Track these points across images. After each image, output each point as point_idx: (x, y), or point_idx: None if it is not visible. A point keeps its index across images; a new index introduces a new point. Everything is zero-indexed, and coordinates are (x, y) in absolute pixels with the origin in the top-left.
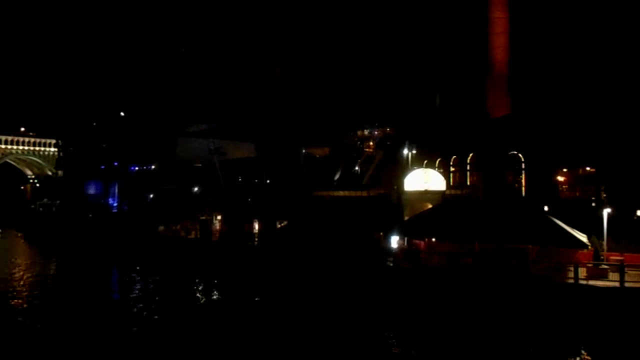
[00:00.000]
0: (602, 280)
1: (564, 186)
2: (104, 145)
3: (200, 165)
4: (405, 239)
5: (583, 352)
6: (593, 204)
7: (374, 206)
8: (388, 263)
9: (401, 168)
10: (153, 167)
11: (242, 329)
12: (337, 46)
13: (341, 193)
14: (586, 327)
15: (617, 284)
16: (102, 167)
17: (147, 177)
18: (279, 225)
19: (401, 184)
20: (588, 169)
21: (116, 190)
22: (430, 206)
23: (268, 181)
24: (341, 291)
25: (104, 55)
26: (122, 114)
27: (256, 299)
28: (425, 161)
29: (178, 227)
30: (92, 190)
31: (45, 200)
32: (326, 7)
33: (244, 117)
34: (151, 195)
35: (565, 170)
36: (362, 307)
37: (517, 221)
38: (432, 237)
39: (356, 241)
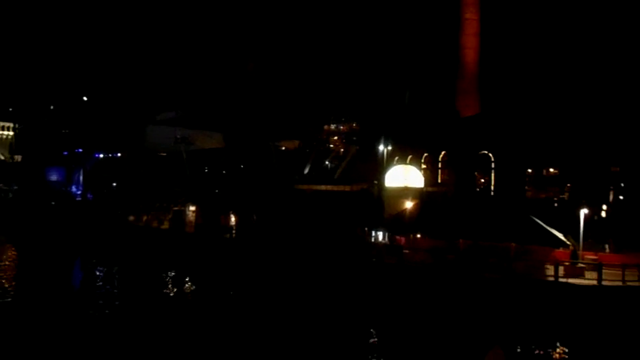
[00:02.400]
0: (579, 278)
1: (529, 186)
2: (66, 131)
3: (165, 154)
4: (387, 234)
5: (560, 346)
6: (556, 204)
7: (356, 201)
8: (372, 258)
9: (378, 164)
10: (119, 154)
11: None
12: (309, 40)
13: (323, 187)
14: (566, 323)
15: (594, 282)
16: (65, 153)
17: (113, 165)
18: (257, 218)
19: (382, 180)
20: (552, 170)
21: (80, 178)
22: (408, 202)
23: (237, 172)
24: (324, 286)
25: (65, 36)
26: (85, 98)
27: (233, 292)
28: (397, 158)
29: (149, 217)
30: (53, 177)
31: (0, 185)
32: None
33: (214, 107)
34: (114, 184)
35: (530, 170)
36: (345, 303)
37: (500, 219)
38: (417, 233)
39: (339, 236)
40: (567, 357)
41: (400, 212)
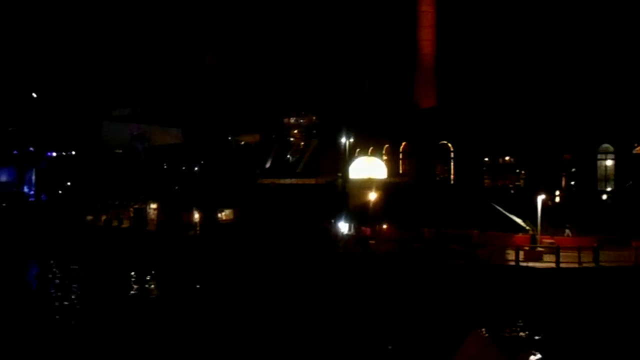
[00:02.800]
0: (538, 262)
1: (486, 175)
2: (13, 129)
3: (120, 151)
4: (352, 225)
5: (520, 324)
6: (512, 191)
7: (321, 194)
8: (338, 250)
9: (340, 156)
10: (74, 152)
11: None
12: (268, 33)
13: (288, 181)
14: (528, 305)
15: (553, 265)
16: (15, 152)
17: (67, 163)
18: (221, 214)
19: (346, 172)
20: (507, 158)
21: (33, 178)
22: (372, 194)
23: (196, 168)
24: (292, 279)
25: (9, 30)
26: (34, 95)
27: (201, 289)
28: (358, 149)
29: (108, 216)
30: (3, 178)
31: None
32: None
33: (171, 102)
34: (69, 184)
35: (487, 159)
36: (314, 295)
37: (462, 207)
38: (383, 224)
39: (305, 229)
40: (530, 336)
41: (365, 203)
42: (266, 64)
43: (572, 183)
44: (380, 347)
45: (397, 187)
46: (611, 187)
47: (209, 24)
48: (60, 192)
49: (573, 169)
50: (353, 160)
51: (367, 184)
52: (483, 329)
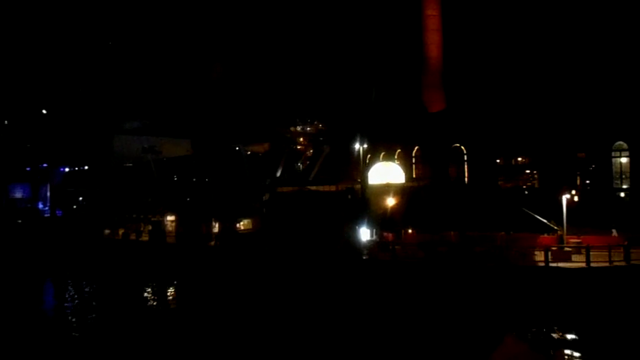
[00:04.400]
0: (566, 262)
1: (500, 176)
2: (28, 145)
3: (130, 165)
4: (374, 231)
5: (555, 325)
6: (526, 192)
7: (342, 200)
8: (363, 256)
9: (352, 163)
10: (86, 167)
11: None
12: (272, 40)
13: (313, 188)
14: (560, 306)
15: (583, 265)
16: (28, 168)
17: (80, 178)
18: (240, 224)
19: (365, 178)
20: (520, 159)
21: (48, 194)
22: (390, 199)
23: (209, 179)
24: (318, 287)
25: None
26: (44, 111)
27: (228, 300)
28: (369, 155)
29: (126, 229)
30: (18, 194)
31: None
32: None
33: (179, 113)
34: (82, 198)
35: (499, 161)
36: (342, 303)
37: (482, 209)
38: (408, 229)
39: (328, 236)
40: (565, 338)
41: (385, 208)
42: (272, 72)
43: (587, 182)
44: (413, 351)
45: (415, 192)
46: (627, 184)
47: (216, 34)
48: (75, 207)
49: (590, 167)
50: (369, 166)
51: (386, 189)
52: (515, 333)
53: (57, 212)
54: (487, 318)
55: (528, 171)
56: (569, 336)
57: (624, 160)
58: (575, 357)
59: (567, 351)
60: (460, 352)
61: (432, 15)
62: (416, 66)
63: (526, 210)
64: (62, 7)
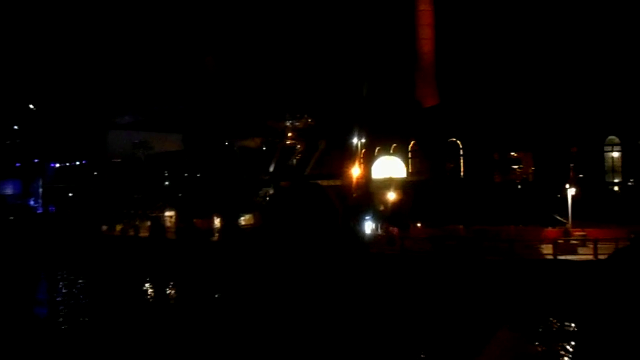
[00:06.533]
0: (573, 254)
1: (495, 170)
2: (18, 141)
3: (119, 160)
4: (380, 225)
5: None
6: (519, 186)
7: (346, 194)
8: (370, 250)
9: (347, 157)
10: (78, 163)
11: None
12: (263, 34)
13: (325, 182)
14: (569, 299)
15: (591, 257)
16: (18, 164)
17: (71, 174)
18: (243, 220)
19: (369, 172)
20: (513, 153)
21: (39, 190)
22: (391, 193)
23: (203, 175)
24: (326, 282)
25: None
26: (31, 106)
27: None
28: (364, 150)
29: (123, 225)
30: (9, 190)
31: None
32: None
33: (171, 108)
34: (73, 194)
35: (494, 155)
36: (351, 297)
37: (490, 203)
38: (416, 223)
39: (333, 230)
40: (563, 330)
41: (388, 202)
42: (264, 66)
43: (580, 176)
44: (416, 342)
45: (416, 186)
46: (619, 178)
47: (208, 28)
48: (67, 203)
49: (583, 161)
50: (372, 161)
51: (387, 184)
52: (510, 325)
53: (49, 208)
54: (491, 311)
55: (522, 166)
56: (567, 327)
57: (615, 154)
58: (571, 349)
59: (564, 343)
60: (456, 344)
61: (425, 10)
62: (409, 61)
63: (531, 202)
64: (50, 1)
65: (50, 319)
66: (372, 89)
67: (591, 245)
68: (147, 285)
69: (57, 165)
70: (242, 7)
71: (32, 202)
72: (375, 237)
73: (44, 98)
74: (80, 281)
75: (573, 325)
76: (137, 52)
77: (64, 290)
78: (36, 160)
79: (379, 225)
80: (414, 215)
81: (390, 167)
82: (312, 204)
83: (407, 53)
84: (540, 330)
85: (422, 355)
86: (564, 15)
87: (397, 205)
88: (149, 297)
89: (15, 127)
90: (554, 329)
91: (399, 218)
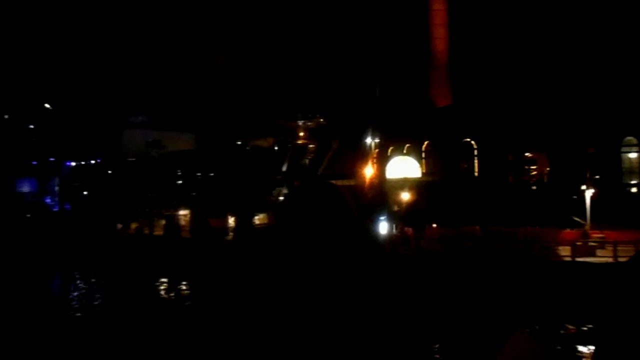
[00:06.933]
0: (591, 257)
1: (509, 170)
2: (34, 140)
3: (133, 159)
4: (395, 225)
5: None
6: (534, 187)
7: (361, 194)
8: (385, 250)
9: (360, 157)
10: (93, 162)
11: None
12: (276, 34)
13: (340, 182)
14: (588, 302)
15: (610, 260)
16: (34, 162)
17: (87, 172)
18: (257, 219)
19: (383, 172)
20: (528, 154)
21: (56, 188)
22: (405, 193)
23: (216, 174)
24: (341, 281)
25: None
26: (47, 106)
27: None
28: (377, 150)
29: (139, 224)
30: (26, 189)
31: None
32: None
33: (184, 106)
34: (88, 192)
35: (508, 155)
36: (365, 298)
37: (507, 204)
38: (432, 223)
39: (348, 230)
40: (579, 334)
41: (403, 202)
42: (276, 66)
43: (597, 177)
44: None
45: (431, 186)
46: (636, 180)
47: (221, 28)
48: (82, 201)
49: (600, 162)
50: (386, 161)
51: (402, 183)
52: (525, 328)
53: (65, 206)
54: (507, 313)
55: (536, 167)
56: (583, 331)
57: (633, 155)
58: (587, 353)
59: (580, 347)
60: (470, 348)
61: (438, 10)
62: (423, 61)
63: (547, 203)
64: (65, 1)
65: (66, 316)
66: (386, 88)
67: (610, 248)
68: (162, 283)
69: (73, 163)
70: (255, 7)
71: (48, 200)
72: (390, 237)
73: (59, 98)
74: (95, 279)
75: (591, 328)
76: (150, 52)
77: (81, 287)
78: (52, 159)
79: (394, 226)
80: (429, 215)
81: (404, 167)
82: (325, 203)
83: (420, 53)
84: (557, 333)
85: (436, 357)
86: (580, 14)
87: (411, 205)
88: (164, 295)
89: (31, 126)
90: (572, 333)
91: (413, 218)
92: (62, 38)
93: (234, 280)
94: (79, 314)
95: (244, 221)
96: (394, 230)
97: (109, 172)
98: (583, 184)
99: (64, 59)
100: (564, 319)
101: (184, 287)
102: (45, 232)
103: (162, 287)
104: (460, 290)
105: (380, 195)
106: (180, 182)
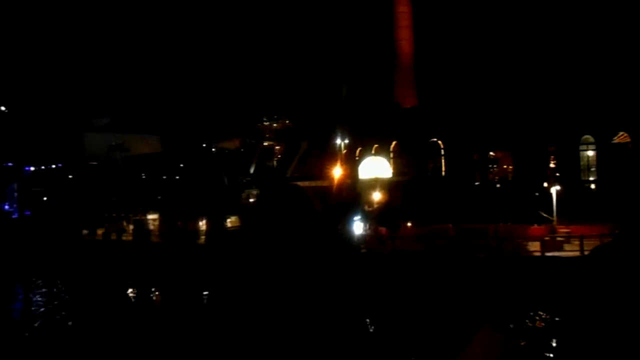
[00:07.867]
0: (559, 251)
1: (475, 169)
2: None
3: (95, 163)
4: (368, 225)
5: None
6: (498, 185)
7: (333, 195)
8: (360, 250)
9: (328, 158)
10: (53, 166)
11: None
12: (242, 36)
13: (307, 183)
14: (557, 295)
15: (577, 254)
16: None
17: (46, 177)
18: (229, 222)
19: (355, 173)
20: (492, 153)
21: (15, 194)
22: (377, 193)
23: (182, 177)
24: (316, 282)
25: None
26: (3, 108)
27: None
28: (344, 151)
29: (105, 229)
30: None
31: None
32: None
33: (148, 109)
34: (49, 198)
35: (474, 155)
36: (341, 297)
37: (475, 202)
38: (407, 222)
39: (322, 230)
40: (546, 326)
41: (375, 202)
42: (242, 67)
43: (557, 174)
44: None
45: (402, 185)
46: (594, 176)
47: (186, 30)
48: (43, 207)
49: (559, 160)
50: (358, 161)
51: (375, 184)
52: (492, 322)
53: (25, 212)
54: (478, 309)
55: (498, 165)
56: (552, 323)
57: (590, 153)
58: (554, 345)
59: (548, 339)
60: (439, 344)
61: (403, 12)
62: (388, 62)
63: (516, 201)
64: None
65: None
66: (352, 90)
67: (576, 242)
68: (133, 289)
69: (32, 168)
70: (221, 9)
71: (6, 207)
72: (364, 237)
73: (16, 100)
74: (61, 289)
75: (558, 320)
76: (113, 53)
77: (45, 298)
78: (9, 164)
79: (368, 225)
80: (401, 214)
81: (376, 167)
82: (290, 205)
83: (386, 54)
84: (524, 326)
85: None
86: (539, 17)
87: (384, 205)
88: (136, 301)
89: None
90: (540, 326)
91: (386, 217)
92: (18, 38)
93: (209, 284)
94: (39, 325)
95: (216, 224)
96: (368, 229)
97: (70, 176)
98: (545, 181)
99: (22, 59)
100: (534, 313)
101: (157, 293)
102: (7, 240)
103: (131, 293)
104: (437, 287)
105: (353, 195)
106: (145, 185)
